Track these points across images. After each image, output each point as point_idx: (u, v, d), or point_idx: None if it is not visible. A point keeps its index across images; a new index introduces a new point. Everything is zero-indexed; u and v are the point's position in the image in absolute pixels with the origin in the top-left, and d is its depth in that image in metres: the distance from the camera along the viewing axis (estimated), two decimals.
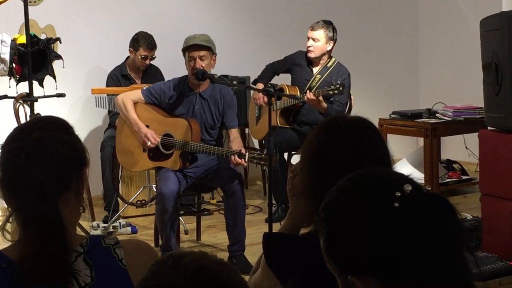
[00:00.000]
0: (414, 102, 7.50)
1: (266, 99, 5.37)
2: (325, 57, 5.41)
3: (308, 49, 5.37)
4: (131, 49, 5.61)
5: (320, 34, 5.33)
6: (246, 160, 4.10)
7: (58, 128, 1.58)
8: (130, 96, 4.50)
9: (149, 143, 4.37)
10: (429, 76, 7.59)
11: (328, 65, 5.42)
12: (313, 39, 5.34)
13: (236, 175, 4.30)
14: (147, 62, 5.61)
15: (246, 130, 6.23)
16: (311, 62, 5.45)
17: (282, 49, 5.91)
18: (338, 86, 4.95)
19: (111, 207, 5.31)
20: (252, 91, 5.90)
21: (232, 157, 4.12)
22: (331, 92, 4.98)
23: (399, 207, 1.14)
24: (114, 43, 6.09)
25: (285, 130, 5.35)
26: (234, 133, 4.46)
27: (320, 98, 5.02)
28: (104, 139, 5.52)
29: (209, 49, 4.34)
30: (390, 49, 7.50)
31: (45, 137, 1.52)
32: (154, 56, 5.63)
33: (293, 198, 1.80)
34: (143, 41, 5.55)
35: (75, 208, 1.57)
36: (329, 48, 5.37)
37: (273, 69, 5.59)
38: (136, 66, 5.63)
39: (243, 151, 4.15)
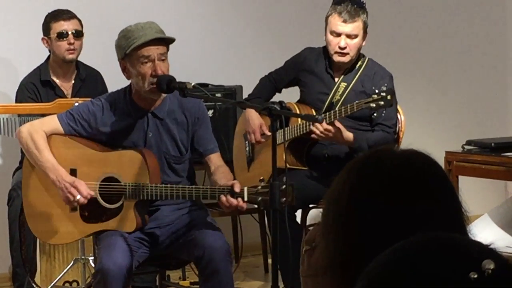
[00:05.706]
0: (501, 126, 7.54)
1: (266, 130, 5.31)
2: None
3: (343, 51, 5.29)
4: (44, 37, 5.72)
5: (358, 26, 5.26)
6: (246, 199, 4.10)
7: None
8: (41, 127, 4.50)
9: (78, 197, 4.36)
10: None
11: (357, 66, 5.39)
12: (349, 36, 5.28)
13: (219, 240, 4.31)
14: (72, 42, 5.64)
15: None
16: (332, 65, 5.42)
17: (289, 46, 5.96)
18: (383, 94, 4.92)
19: None
20: (241, 115, 5.79)
21: (223, 198, 4.14)
22: (373, 105, 4.94)
23: None
24: (31, 36, 6.11)
25: (297, 172, 5.30)
26: (215, 160, 4.50)
27: (338, 125, 5.02)
28: (14, 186, 5.53)
29: (167, 43, 4.40)
30: (464, 46, 7.55)
31: None
32: (79, 30, 5.67)
33: (310, 278, 1.80)
34: (52, 14, 5.70)
35: None
36: (364, 42, 5.36)
37: (271, 83, 5.58)
38: (60, 57, 5.68)
39: (237, 186, 4.15)
